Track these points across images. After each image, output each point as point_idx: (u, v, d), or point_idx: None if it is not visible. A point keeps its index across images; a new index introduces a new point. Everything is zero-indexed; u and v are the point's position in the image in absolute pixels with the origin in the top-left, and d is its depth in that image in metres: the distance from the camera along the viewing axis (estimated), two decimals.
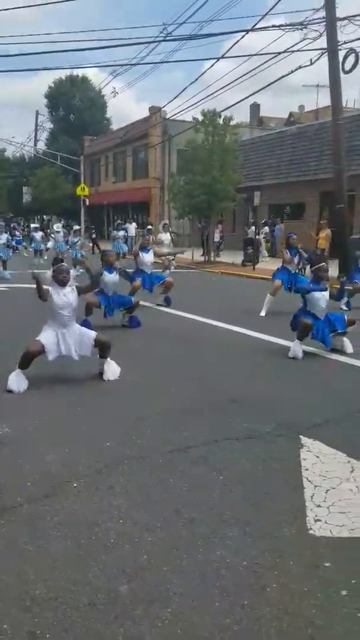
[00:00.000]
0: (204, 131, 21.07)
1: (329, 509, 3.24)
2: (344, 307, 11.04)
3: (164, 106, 30.26)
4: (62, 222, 31.46)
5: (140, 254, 10.56)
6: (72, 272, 6.19)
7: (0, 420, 4.59)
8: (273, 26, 16.19)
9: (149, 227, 17.15)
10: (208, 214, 21.84)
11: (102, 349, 5.80)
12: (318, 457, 3.94)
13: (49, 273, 5.86)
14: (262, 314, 9.99)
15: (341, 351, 7.06)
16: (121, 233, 23.64)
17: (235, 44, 54.96)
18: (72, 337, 5.63)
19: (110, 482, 3.57)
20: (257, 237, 20.61)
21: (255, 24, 17.39)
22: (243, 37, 16.34)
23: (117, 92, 37.00)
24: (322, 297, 6.91)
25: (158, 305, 11.01)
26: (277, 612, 2.40)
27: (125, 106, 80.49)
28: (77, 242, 17.35)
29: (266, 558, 2.78)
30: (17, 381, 5.39)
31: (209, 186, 20.51)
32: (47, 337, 5.54)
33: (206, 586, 2.57)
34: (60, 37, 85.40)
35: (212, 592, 2.53)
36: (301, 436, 4.30)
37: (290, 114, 45.02)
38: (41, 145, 55.35)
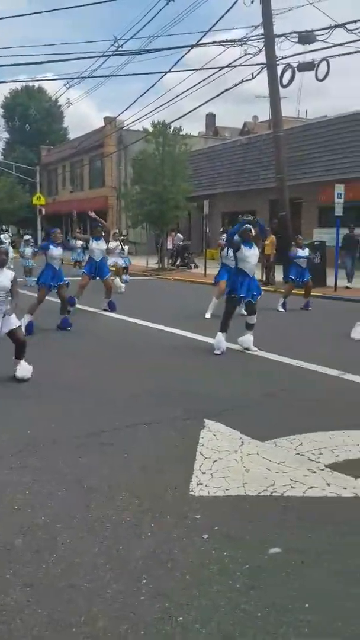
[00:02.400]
0: (154, 142, 21.64)
1: (212, 475, 3.73)
2: (280, 309, 11.71)
3: (117, 116, 30.76)
4: (8, 231, 30.85)
5: (91, 241, 11.05)
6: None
7: None
8: (214, 42, 16.87)
9: (115, 231, 17.69)
10: (160, 222, 22.38)
11: (17, 346, 6.13)
12: (215, 435, 4.45)
13: None
14: (207, 316, 10.47)
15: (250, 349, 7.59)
16: (79, 242, 23.88)
17: (180, 59, 57.05)
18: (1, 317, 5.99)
19: (25, 462, 3.99)
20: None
21: (199, 40, 18.08)
22: (188, 52, 16.96)
23: (71, 103, 37.52)
24: (250, 254, 7.44)
25: (104, 310, 11.42)
26: (146, 553, 2.86)
27: (87, 115, 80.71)
28: (26, 251, 17.52)
29: (147, 514, 3.24)
30: None
31: (160, 195, 21.06)
32: None
33: (90, 537, 3.02)
34: (19, 51, 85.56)
35: (94, 541, 2.98)
36: (205, 420, 4.80)
37: (245, 124, 46.09)
38: None
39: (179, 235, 24.48)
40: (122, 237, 20.00)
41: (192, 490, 3.52)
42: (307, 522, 3.15)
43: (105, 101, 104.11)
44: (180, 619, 2.39)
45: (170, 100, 29.75)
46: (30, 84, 52.18)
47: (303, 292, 12.17)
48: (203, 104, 30.74)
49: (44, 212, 37.77)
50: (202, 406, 5.20)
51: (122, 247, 15.40)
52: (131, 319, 10.48)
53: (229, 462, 3.93)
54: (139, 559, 2.81)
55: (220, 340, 7.44)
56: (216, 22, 29.31)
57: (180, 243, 24.35)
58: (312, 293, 13.87)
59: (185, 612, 2.42)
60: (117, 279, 14.92)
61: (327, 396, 5.66)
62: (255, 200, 25.88)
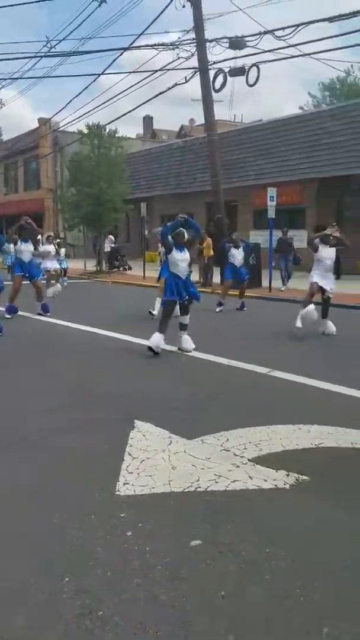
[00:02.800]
0: (89, 144, 21.52)
1: (139, 474, 3.80)
2: (217, 309, 11.93)
3: (51, 117, 30.36)
4: None
5: (20, 242, 11.13)
6: None
7: None
8: (147, 46, 16.98)
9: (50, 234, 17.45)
10: (97, 224, 22.27)
11: None
12: (144, 435, 4.52)
13: None
14: (155, 312, 10.49)
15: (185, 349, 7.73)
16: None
17: (113, 62, 57.07)
18: None
19: None
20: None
21: (132, 43, 18.09)
22: (120, 54, 16.98)
23: (3, 104, 36.49)
24: (182, 258, 7.60)
25: (38, 314, 11.29)
26: (69, 552, 2.90)
27: (22, 116, 79.01)
28: None
29: (72, 514, 3.28)
30: None
31: (96, 197, 20.96)
32: None
33: (14, 538, 3.02)
34: None
35: (17, 543, 2.99)
36: (136, 420, 4.86)
37: (182, 127, 46.51)
38: None
39: (111, 237, 24.46)
40: (58, 240, 19.79)
41: (119, 490, 3.58)
42: (228, 514, 3.28)
43: (41, 102, 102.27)
44: (100, 613, 2.45)
45: (106, 102, 29.68)
46: None
47: (238, 293, 12.43)
48: (138, 106, 31.05)
49: None
50: (132, 407, 5.27)
51: (57, 250, 15.22)
52: (66, 323, 10.41)
53: (156, 461, 4.01)
54: (61, 559, 2.85)
55: (157, 340, 7.52)
56: (148, 26, 29.53)
57: (112, 245, 24.33)
58: (248, 294, 14.24)
59: (105, 607, 2.48)
60: (57, 284, 14.76)
61: (255, 394, 5.86)
62: (192, 203, 26.17)
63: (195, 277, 18.14)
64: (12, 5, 18.55)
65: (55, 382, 6.29)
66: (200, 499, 3.46)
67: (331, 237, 8.72)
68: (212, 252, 18.69)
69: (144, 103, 26.40)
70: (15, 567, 2.77)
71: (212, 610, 2.47)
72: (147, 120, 49.02)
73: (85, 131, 21.53)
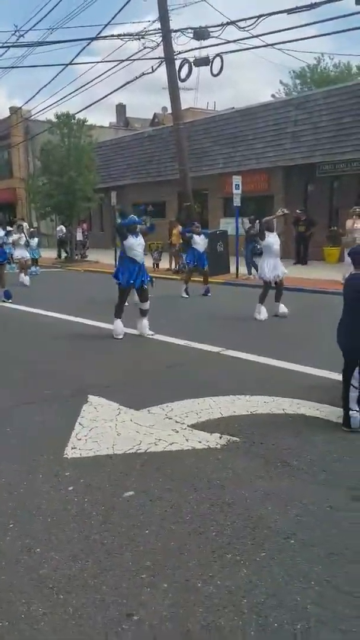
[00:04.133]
0: (59, 133, 21.61)
1: (86, 440, 4.18)
2: (184, 295, 12.30)
3: (22, 105, 30.24)
4: None
5: None
6: None
7: None
8: (112, 36, 17.13)
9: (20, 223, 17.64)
10: (69, 213, 22.41)
11: None
12: (96, 408, 4.89)
13: None
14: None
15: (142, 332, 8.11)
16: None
17: (80, 51, 56.92)
18: None
19: None
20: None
21: (99, 33, 18.21)
22: (88, 45, 17.08)
23: None
24: (137, 243, 7.95)
25: (2, 301, 11.57)
26: (17, 505, 3.27)
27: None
28: None
29: (22, 475, 3.64)
30: None
31: (67, 186, 21.09)
32: None
33: None
34: None
35: None
36: (89, 395, 5.22)
37: (155, 115, 46.46)
38: None
39: (62, 227, 24.49)
40: (31, 229, 19.94)
41: (66, 454, 3.95)
42: (161, 470, 3.67)
43: (16, 89, 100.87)
44: (38, 550, 2.83)
45: (79, 89, 29.83)
46: None
47: (202, 279, 12.79)
48: (110, 94, 31.25)
49: None
50: (88, 384, 5.62)
51: (27, 240, 15.40)
52: (34, 310, 10.69)
53: (104, 429, 4.39)
54: (8, 510, 3.22)
55: (118, 326, 7.89)
56: (113, 17, 29.54)
57: (63, 235, 24.38)
58: (215, 280, 14.64)
59: (42, 545, 2.86)
60: (22, 274, 14.91)
61: (204, 369, 6.26)
62: (164, 191, 26.40)
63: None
64: None
65: (17, 364, 6.62)
66: (139, 459, 3.85)
67: (282, 215, 9.26)
68: (181, 240, 19.05)
69: (114, 91, 26.56)
70: None
71: (136, 544, 2.86)
72: (120, 108, 48.82)
73: (55, 120, 21.59)
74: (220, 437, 4.14)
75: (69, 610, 2.40)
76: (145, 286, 8.08)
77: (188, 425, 4.40)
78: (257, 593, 2.47)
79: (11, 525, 3.05)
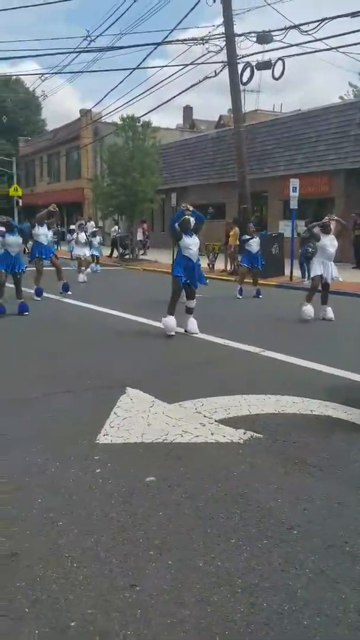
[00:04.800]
0: (124, 135, 22.19)
1: (118, 428, 4.44)
2: (238, 296, 12.44)
3: (91, 108, 31.19)
4: None
5: (37, 227, 11.96)
6: None
7: None
8: (177, 40, 17.45)
9: (81, 222, 18.32)
10: (130, 214, 22.97)
11: None
12: (131, 399, 5.15)
13: None
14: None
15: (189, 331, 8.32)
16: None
17: (147, 56, 58.38)
18: None
19: None
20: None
21: (165, 38, 18.57)
22: (153, 50, 17.49)
23: (46, 95, 37.70)
24: (192, 242, 8.19)
25: (60, 293, 12.14)
26: (47, 483, 3.56)
27: (68, 106, 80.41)
28: None
29: (55, 456, 3.93)
30: None
31: (130, 187, 21.64)
32: None
33: (5, 471, 3.70)
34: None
35: (10, 474, 3.66)
36: (127, 387, 5.49)
37: (220, 117, 46.62)
38: None
39: (116, 227, 25.03)
40: (94, 229, 20.61)
41: (98, 440, 4.22)
42: (183, 460, 3.87)
43: (88, 92, 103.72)
44: (60, 523, 3.10)
45: (145, 92, 30.54)
46: (8, 74, 52.16)
47: (252, 281, 12.87)
48: (175, 97, 31.41)
49: (21, 203, 38.07)
50: (128, 377, 5.90)
51: (87, 238, 15.96)
52: (89, 305, 11.14)
53: (136, 419, 4.63)
54: (39, 487, 3.51)
55: (169, 322, 8.13)
56: (180, 22, 29.84)
57: (117, 235, 24.88)
58: (269, 282, 14.69)
59: (64, 519, 3.13)
60: (80, 270, 15.49)
61: (241, 368, 6.41)
62: (224, 193, 26.57)
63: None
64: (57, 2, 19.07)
65: (66, 355, 6.99)
66: (164, 449, 4.07)
67: (330, 222, 9.17)
68: (238, 241, 19.15)
69: (179, 94, 26.86)
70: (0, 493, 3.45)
71: (149, 524, 3.08)
72: (187, 111, 49.35)
73: (120, 123, 22.20)
74: (244, 433, 4.29)
75: (79, 578, 2.64)
76: (196, 287, 8.30)
77: (215, 420, 4.57)
78: (253, 576, 2.63)
79: (39, 500, 3.33)
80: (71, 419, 4.71)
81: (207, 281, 8.63)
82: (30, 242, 12.99)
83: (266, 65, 15.68)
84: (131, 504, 3.29)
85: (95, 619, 2.36)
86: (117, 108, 57.40)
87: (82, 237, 15.66)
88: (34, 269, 11.99)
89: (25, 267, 10.17)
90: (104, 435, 4.31)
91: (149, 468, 3.75)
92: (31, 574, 2.66)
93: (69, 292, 12.13)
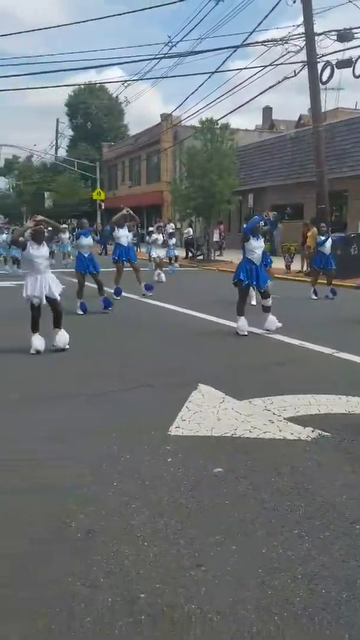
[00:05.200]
0: (202, 138, 22.47)
1: (189, 422, 4.64)
2: (313, 297, 12.32)
3: (171, 112, 31.73)
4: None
5: (117, 229, 12.46)
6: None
7: None
8: (256, 42, 17.47)
9: (160, 224, 18.87)
10: (207, 215, 23.22)
11: (56, 316, 7.22)
12: (203, 395, 5.34)
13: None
14: (253, 302, 11.24)
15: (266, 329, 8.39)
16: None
17: (224, 61, 58.94)
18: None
19: (34, 411, 5.04)
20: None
21: (245, 40, 18.66)
22: (232, 54, 17.64)
23: (129, 101, 38.67)
24: (257, 246, 8.29)
25: (143, 295, 12.53)
26: (122, 469, 3.81)
27: (149, 111, 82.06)
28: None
29: (130, 445, 4.19)
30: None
31: (207, 189, 21.88)
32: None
33: (87, 457, 4.00)
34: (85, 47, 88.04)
35: (89, 460, 3.95)
36: (200, 384, 5.68)
37: (300, 117, 45.90)
38: (63, 152, 57.47)
39: (189, 229, 25.18)
40: (171, 231, 21.07)
41: (170, 431, 4.44)
42: (251, 454, 4.01)
43: (169, 95, 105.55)
44: (133, 505, 3.33)
45: (225, 94, 30.67)
46: (93, 81, 54.04)
47: (326, 281, 12.68)
48: (254, 98, 31.22)
49: (103, 206, 39.37)
50: (200, 374, 6.09)
51: (164, 239, 16.35)
52: (166, 305, 11.45)
53: (207, 414, 4.82)
54: (114, 472, 3.77)
55: (241, 323, 8.27)
56: (259, 23, 29.50)
57: (189, 236, 25.02)
58: (347, 283, 14.42)
59: (137, 502, 3.36)
60: (157, 270, 15.93)
61: (312, 369, 6.42)
62: (302, 193, 26.19)
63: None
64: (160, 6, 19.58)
65: (143, 352, 7.29)
66: (233, 443, 4.22)
67: None
68: (314, 242, 18.88)
69: (257, 95, 26.79)
70: (80, 476, 3.74)
71: (215, 511, 3.25)
72: (267, 111, 48.96)
73: (198, 126, 22.50)
74: (313, 431, 4.36)
75: (150, 556, 2.85)
76: (262, 289, 8.38)
77: (284, 418, 4.67)
78: (314, 565, 2.73)
79: (115, 484, 3.58)
80: (145, 412, 4.96)
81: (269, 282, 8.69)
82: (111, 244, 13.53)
83: (347, 63, 15.42)
84: (199, 492, 3.47)
85: (162, 593, 2.56)
86: (197, 111, 57.94)
87: (160, 238, 16.05)
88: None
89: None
90: (176, 427, 4.52)
91: (217, 460, 3.92)
92: (106, 549, 2.90)
93: (151, 293, 12.51)
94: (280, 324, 8.35)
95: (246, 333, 8.21)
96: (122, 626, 2.34)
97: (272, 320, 8.40)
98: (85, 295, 10.64)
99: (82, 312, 10.22)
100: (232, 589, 2.58)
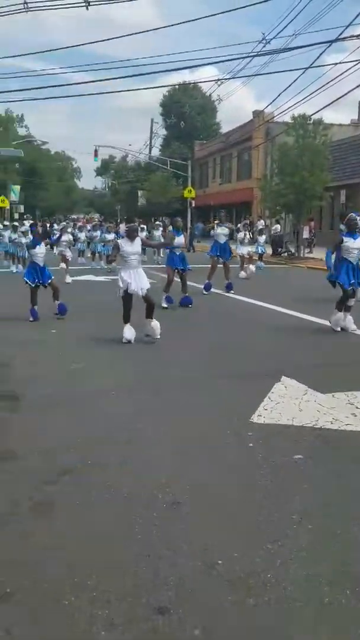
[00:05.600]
0: (294, 134, 22.21)
1: (271, 411, 4.77)
2: None
3: (264, 108, 31.56)
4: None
5: (216, 226, 12.88)
6: None
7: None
8: (352, 36, 17.02)
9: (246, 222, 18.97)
10: (298, 212, 22.94)
11: (149, 307, 7.55)
12: (286, 387, 5.44)
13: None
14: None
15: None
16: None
17: (317, 58, 56.79)
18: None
19: (136, 395, 5.37)
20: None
21: (340, 34, 18.23)
22: (326, 49, 17.31)
23: (221, 99, 38.67)
24: (352, 245, 8.16)
25: (228, 293, 12.71)
26: (206, 451, 4.03)
27: (242, 108, 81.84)
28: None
29: (214, 430, 4.40)
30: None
31: (298, 186, 21.63)
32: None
33: (175, 436, 4.26)
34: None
35: (174, 438, 4.21)
36: (283, 376, 5.78)
37: None
38: (157, 151, 58.77)
39: (277, 226, 24.82)
40: (260, 227, 21.07)
41: (252, 419, 4.60)
42: (331, 444, 4.09)
43: (262, 92, 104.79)
44: (215, 483, 3.54)
45: (320, 88, 30.04)
46: (187, 80, 54.72)
47: None
48: (349, 92, 30.26)
49: (194, 204, 39.84)
50: (285, 367, 6.18)
51: (250, 237, 16.38)
52: (253, 301, 11.55)
53: (289, 405, 4.93)
54: (200, 453, 4.00)
55: (337, 318, 8.21)
56: (356, 17, 28.36)
57: (277, 233, 24.64)
58: None
59: (218, 480, 3.57)
60: (250, 265, 16.06)
61: None
62: None
63: None
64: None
65: (231, 345, 7.49)
66: (313, 432, 4.31)
67: None
68: None
69: (353, 89, 25.94)
70: (165, 455, 4.00)
71: (292, 492, 3.38)
72: None
73: (291, 122, 22.27)
74: None
75: (229, 528, 3.05)
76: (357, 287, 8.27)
77: None
78: None
79: (198, 464, 3.81)
80: (229, 400, 5.15)
81: None
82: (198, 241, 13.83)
83: None
84: (278, 476, 3.62)
85: (239, 561, 2.74)
86: (289, 107, 56.96)
87: (246, 237, 16.12)
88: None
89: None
90: (258, 415, 4.67)
91: (297, 447, 4.04)
92: (189, 520, 3.13)
93: (232, 292, 12.65)
94: (354, 327, 8.20)
95: (339, 329, 8.16)
96: (200, 589, 2.55)
97: (351, 321, 8.27)
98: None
99: (166, 306, 10.50)
100: (306, 564, 2.71)
